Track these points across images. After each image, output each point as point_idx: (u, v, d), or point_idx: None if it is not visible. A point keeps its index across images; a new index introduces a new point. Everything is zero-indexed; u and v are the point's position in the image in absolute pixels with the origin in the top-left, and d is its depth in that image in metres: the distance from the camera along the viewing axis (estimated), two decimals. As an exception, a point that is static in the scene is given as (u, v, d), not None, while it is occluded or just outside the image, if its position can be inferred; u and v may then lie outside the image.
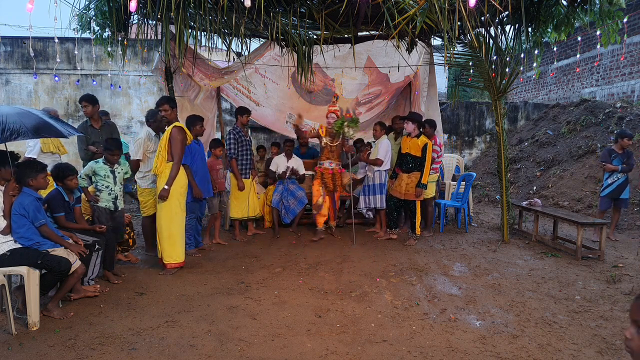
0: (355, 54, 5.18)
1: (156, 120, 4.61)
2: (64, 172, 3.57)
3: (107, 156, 4.01)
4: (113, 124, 5.11)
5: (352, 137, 5.75)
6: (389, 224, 5.83)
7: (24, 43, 9.93)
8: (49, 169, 4.33)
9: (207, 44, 4.43)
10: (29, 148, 4.73)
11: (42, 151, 4.68)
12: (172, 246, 4.19)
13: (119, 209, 4.10)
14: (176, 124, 4.18)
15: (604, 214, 5.94)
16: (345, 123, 5.44)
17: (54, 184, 3.71)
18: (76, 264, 3.18)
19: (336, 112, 5.52)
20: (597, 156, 7.96)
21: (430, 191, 5.90)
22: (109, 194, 3.99)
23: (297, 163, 6.19)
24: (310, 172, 6.55)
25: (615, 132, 7.05)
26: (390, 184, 5.74)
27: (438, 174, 6.14)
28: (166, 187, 4.05)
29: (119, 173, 4.08)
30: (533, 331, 3.09)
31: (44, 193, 3.53)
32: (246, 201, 5.66)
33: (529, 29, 5.17)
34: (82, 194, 3.95)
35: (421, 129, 5.49)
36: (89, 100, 4.76)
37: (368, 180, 5.98)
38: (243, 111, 5.60)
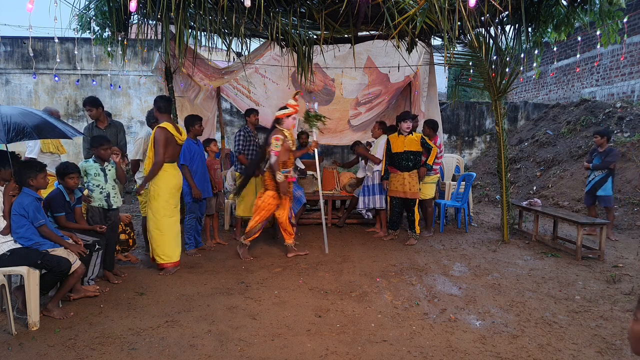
0: (355, 54, 5.18)
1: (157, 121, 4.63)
2: (66, 169, 3.59)
3: (98, 152, 3.99)
4: (119, 124, 5.09)
5: (311, 132, 5.11)
6: (391, 225, 5.82)
7: (24, 43, 9.93)
8: (48, 168, 4.34)
9: (207, 44, 4.43)
10: (29, 148, 4.74)
11: (41, 151, 4.68)
12: (160, 246, 4.21)
13: (113, 207, 4.09)
14: (161, 124, 4.18)
15: (592, 210, 6.06)
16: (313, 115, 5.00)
17: (55, 184, 3.71)
18: (76, 264, 3.18)
19: (296, 107, 4.81)
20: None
21: (430, 192, 5.90)
22: (101, 192, 3.99)
23: (297, 161, 6.19)
24: (311, 172, 6.56)
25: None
26: (386, 185, 5.71)
27: (438, 175, 6.15)
28: (146, 186, 4.20)
29: (109, 171, 4.08)
30: (533, 331, 3.09)
31: (45, 193, 3.53)
32: (250, 200, 5.68)
33: (529, 29, 5.17)
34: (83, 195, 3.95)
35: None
36: (92, 104, 4.75)
37: (367, 180, 5.98)
38: (250, 111, 5.74)
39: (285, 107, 4.77)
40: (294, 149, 4.83)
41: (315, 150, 5.17)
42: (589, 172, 6.08)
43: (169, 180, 4.21)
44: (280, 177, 4.60)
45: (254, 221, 4.75)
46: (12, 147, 3.40)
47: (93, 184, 3.97)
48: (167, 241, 4.22)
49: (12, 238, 3.08)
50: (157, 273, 4.23)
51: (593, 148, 6.14)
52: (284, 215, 4.84)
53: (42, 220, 3.14)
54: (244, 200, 5.66)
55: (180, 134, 4.31)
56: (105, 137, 4.08)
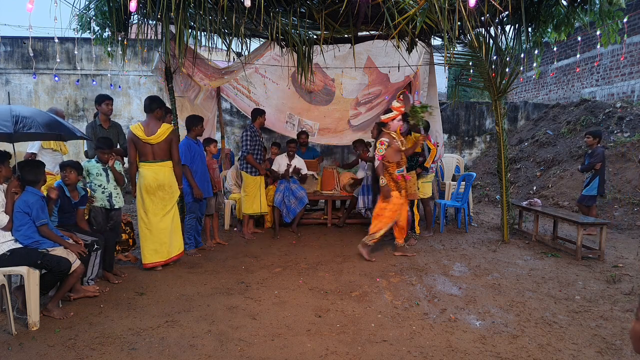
0: (355, 54, 5.17)
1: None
2: (66, 163, 3.63)
3: (99, 155, 4.00)
4: (119, 125, 5.15)
5: (422, 125, 5.13)
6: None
7: (24, 43, 9.93)
8: (51, 166, 4.36)
9: (207, 44, 4.43)
10: (30, 144, 4.74)
11: (42, 147, 4.69)
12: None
13: (115, 207, 4.09)
14: None
15: (592, 210, 6.09)
16: (419, 109, 4.98)
17: (55, 183, 3.71)
18: (76, 263, 3.18)
19: (403, 112, 4.90)
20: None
21: (429, 190, 5.91)
22: (103, 192, 3.99)
23: (299, 163, 6.20)
24: (311, 172, 6.56)
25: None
26: None
27: (434, 174, 6.14)
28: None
29: (111, 171, 4.09)
30: (533, 331, 3.09)
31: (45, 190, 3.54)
32: (258, 197, 5.72)
33: (529, 29, 5.17)
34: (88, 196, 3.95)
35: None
36: (110, 98, 4.86)
37: (367, 180, 5.99)
38: (262, 112, 5.78)
39: (390, 111, 4.84)
40: (403, 148, 4.85)
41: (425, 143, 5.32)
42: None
43: (139, 180, 4.27)
44: (382, 181, 4.71)
45: (383, 224, 4.80)
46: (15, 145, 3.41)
47: (95, 184, 3.98)
48: (141, 241, 4.33)
49: (12, 238, 3.08)
50: (157, 273, 4.23)
51: (586, 150, 6.19)
52: (403, 216, 4.91)
53: (44, 220, 3.15)
54: (249, 198, 5.69)
55: (151, 133, 4.21)
56: (107, 142, 4.07)
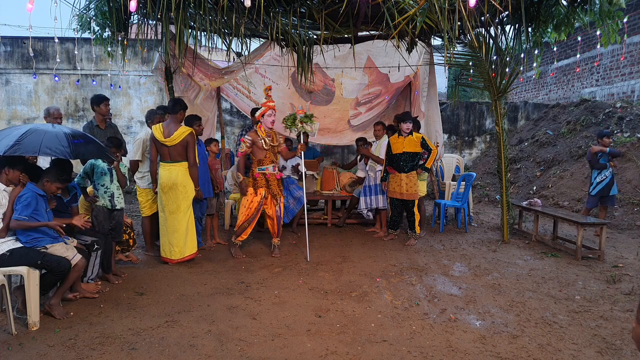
0: (355, 54, 5.17)
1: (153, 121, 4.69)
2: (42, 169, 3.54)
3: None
4: (115, 125, 5.15)
5: (312, 134, 5.35)
6: (391, 225, 5.82)
7: (24, 43, 9.93)
8: None
9: (207, 44, 4.44)
10: None
11: None
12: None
13: (117, 207, 4.08)
14: None
15: (589, 212, 6.01)
16: (298, 119, 5.03)
17: None
18: (75, 257, 3.18)
19: (273, 108, 4.87)
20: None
21: (423, 189, 5.92)
22: (105, 192, 3.99)
23: (296, 161, 6.16)
24: (311, 172, 6.56)
25: (597, 132, 7.05)
26: (385, 186, 5.70)
27: (427, 173, 6.14)
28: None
29: (115, 172, 4.09)
30: (533, 331, 3.09)
31: None
32: None
33: (529, 29, 5.17)
34: (80, 193, 3.95)
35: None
36: (107, 99, 4.79)
37: (369, 180, 5.98)
38: (256, 110, 5.68)
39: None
40: (266, 147, 4.79)
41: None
42: (597, 173, 5.83)
43: (159, 179, 4.40)
44: (239, 177, 4.84)
45: (239, 219, 4.87)
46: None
47: (98, 183, 3.97)
48: (160, 236, 4.53)
49: (12, 237, 3.08)
50: (157, 273, 4.24)
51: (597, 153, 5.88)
52: (269, 215, 4.95)
53: (22, 217, 3.01)
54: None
55: (168, 135, 4.31)
56: (116, 141, 4.09)
